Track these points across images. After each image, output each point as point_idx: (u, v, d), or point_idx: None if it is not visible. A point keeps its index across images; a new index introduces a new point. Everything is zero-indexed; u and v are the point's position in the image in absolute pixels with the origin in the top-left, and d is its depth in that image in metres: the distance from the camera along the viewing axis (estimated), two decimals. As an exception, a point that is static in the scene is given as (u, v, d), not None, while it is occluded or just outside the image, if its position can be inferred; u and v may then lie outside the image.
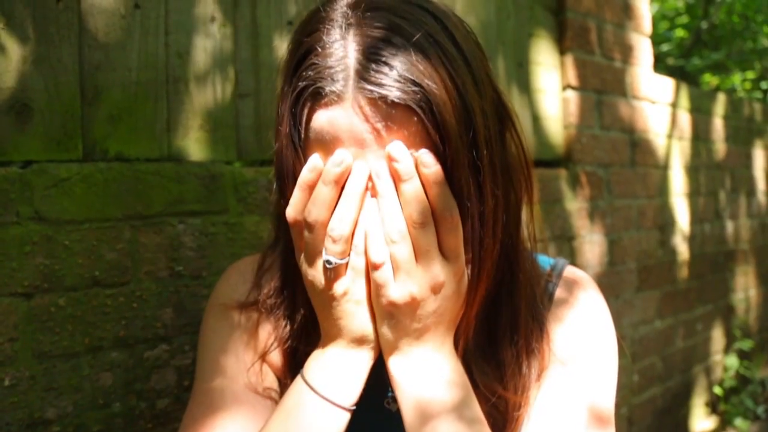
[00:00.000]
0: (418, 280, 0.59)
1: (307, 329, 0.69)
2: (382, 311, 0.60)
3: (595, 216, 1.97)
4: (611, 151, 2.03)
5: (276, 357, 0.72)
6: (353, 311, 0.61)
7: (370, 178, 0.58)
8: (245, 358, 0.73)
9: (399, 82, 0.55)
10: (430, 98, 0.56)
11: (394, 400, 0.72)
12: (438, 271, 0.59)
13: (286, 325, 0.70)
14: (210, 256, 1.05)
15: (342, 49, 0.58)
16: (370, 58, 0.56)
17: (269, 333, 0.72)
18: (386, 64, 0.56)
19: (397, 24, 0.58)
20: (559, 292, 0.74)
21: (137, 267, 0.97)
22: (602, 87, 1.98)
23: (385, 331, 0.61)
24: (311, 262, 0.61)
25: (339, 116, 0.57)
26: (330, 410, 0.62)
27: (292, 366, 0.70)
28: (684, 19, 6.49)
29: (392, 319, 0.60)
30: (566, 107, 1.88)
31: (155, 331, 0.99)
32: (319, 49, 0.59)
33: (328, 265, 0.59)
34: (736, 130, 2.97)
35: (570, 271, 0.77)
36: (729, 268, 2.93)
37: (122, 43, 0.98)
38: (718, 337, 2.85)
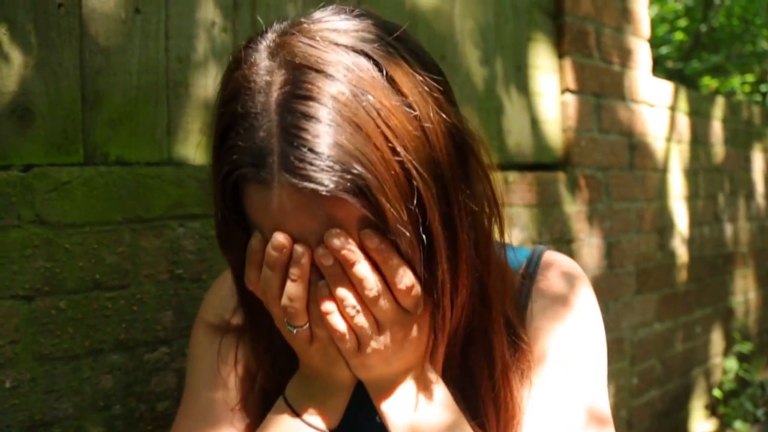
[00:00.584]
0: (382, 340, 0.60)
1: (282, 359, 0.70)
2: (355, 366, 0.63)
3: (594, 219, 1.97)
4: (610, 155, 2.04)
5: (259, 376, 0.73)
6: (326, 361, 0.63)
7: (312, 259, 0.58)
8: (230, 375, 0.74)
9: (326, 170, 0.52)
10: (363, 183, 0.52)
11: None
12: (400, 326, 0.60)
13: (265, 352, 0.71)
14: (210, 259, 1.05)
15: (264, 126, 0.54)
16: (294, 143, 0.52)
17: (248, 356, 0.74)
18: (311, 150, 0.52)
19: (322, 88, 0.53)
20: (540, 286, 0.72)
21: (137, 270, 0.98)
22: (601, 90, 1.99)
23: (364, 378, 0.64)
24: (279, 324, 0.63)
25: (270, 202, 0.55)
26: (305, 429, 0.64)
27: (273, 389, 0.71)
28: (683, 22, 6.51)
29: (366, 369, 0.62)
30: (565, 111, 1.88)
31: (155, 333, 1.00)
32: (240, 126, 0.55)
33: (290, 332, 0.62)
34: (734, 133, 2.98)
35: (550, 259, 0.75)
36: (728, 271, 2.94)
37: (123, 47, 0.99)
38: (717, 339, 2.85)
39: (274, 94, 0.54)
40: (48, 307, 0.89)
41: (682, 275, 2.51)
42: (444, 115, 0.58)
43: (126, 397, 0.97)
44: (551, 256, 0.76)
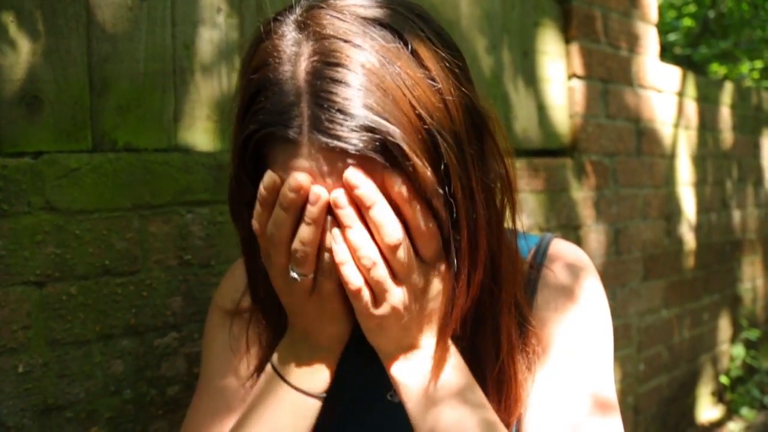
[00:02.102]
0: (398, 294, 0.58)
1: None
2: (369, 327, 0.61)
3: (601, 205, 1.97)
4: (617, 141, 2.03)
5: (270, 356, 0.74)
6: (321, 318, 0.62)
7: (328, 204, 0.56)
8: (243, 359, 0.74)
9: (356, 131, 0.52)
10: (392, 142, 0.53)
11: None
12: (417, 278, 0.59)
13: (272, 332, 0.71)
14: (218, 245, 1.06)
15: (293, 90, 0.55)
16: (324, 105, 0.53)
17: (260, 335, 0.74)
18: (341, 111, 0.53)
19: (350, 56, 0.54)
20: (547, 274, 0.72)
21: (147, 256, 0.98)
22: (608, 76, 1.98)
23: (377, 343, 0.62)
24: (277, 274, 0.61)
25: (296, 161, 0.55)
26: (301, 399, 0.64)
27: None
28: (691, 8, 6.44)
29: (381, 331, 0.60)
30: (572, 96, 1.87)
31: (165, 319, 1.00)
32: (269, 90, 0.56)
33: (293, 281, 0.60)
34: (743, 119, 2.96)
35: (557, 247, 0.75)
36: (736, 258, 2.93)
37: (130, 34, 0.99)
38: (724, 326, 2.84)
39: (303, 63, 0.55)
40: (59, 293, 0.90)
41: (690, 262, 2.51)
42: (464, 90, 0.59)
43: (137, 381, 0.98)
44: (558, 245, 0.75)
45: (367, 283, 0.57)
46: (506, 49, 1.68)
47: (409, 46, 0.56)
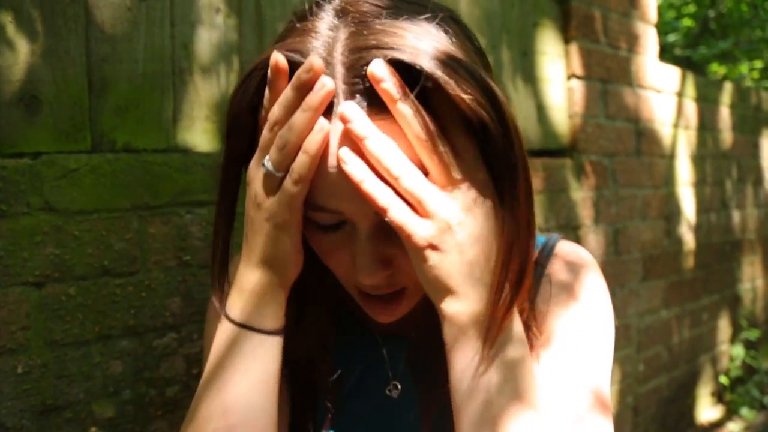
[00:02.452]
0: (446, 202, 0.53)
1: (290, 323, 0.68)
2: (420, 257, 0.54)
3: (601, 205, 1.97)
4: (616, 141, 2.03)
5: None
6: (273, 234, 0.58)
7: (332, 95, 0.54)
8: None
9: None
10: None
11: (396, 387, 0.71)
12: (466, 187, 0.53)
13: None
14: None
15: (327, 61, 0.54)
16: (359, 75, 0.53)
17: None
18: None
19: (392, 38, 0.53)
20: (550, 272, 0.71)
21: (146, 257, 0.99)
22: (607, 76, 1.98)
23: (431, 275, 0.54)
24: (257, 164, 0.58)
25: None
26: (251, 337, 0.60)
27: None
28: (691, 8, 6.44)
29: (434, 257, 0.54)
30: (571, 96, 1.88)
31: (164, 319, 1.00)
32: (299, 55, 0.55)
33: (262, 168, 0.56)
34: (742, 119, 2.96)
35: (563, 248, 0.74)
36: (735, 258, 2.93)
37: (129, 35, 0.99)
38: (724, 326, 2.85)
39: (339, 44, 0.55)
40: (58, 294, 0.90)
41: (689, 262, 2.51)
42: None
43: (136, 382, 0.98)
44: (564, 245, 0.75)
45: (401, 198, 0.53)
46: (505, 49, 1.69)
47: (450, 36, 0.56)
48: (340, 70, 0.54)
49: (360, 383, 0.73)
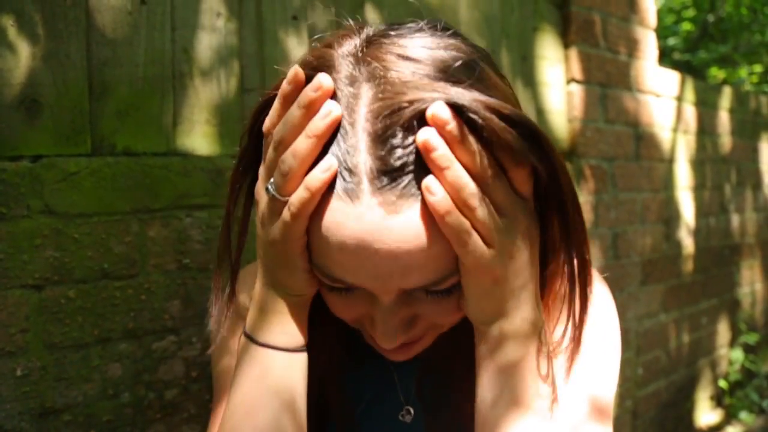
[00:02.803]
0: (509, 233, 0.54)
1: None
2: (483, 288, 0.54)
3: (600, 209, 1.97)
4: (616, 145, 2.04)
5: None
6: (280, 259, 0.57)
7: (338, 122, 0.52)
8: None
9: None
10: None
11: (409, 412, 0.71)
12: (521, 214, 0.55)
13: None
14: (216, 248, 1.06)
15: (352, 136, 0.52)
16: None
17: None
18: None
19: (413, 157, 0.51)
20: None
21: (145, 260, 0.99)
22: (607, 80, 1.98)
23: (485, 303, 0.55)
24: (263, 183, 0.57)
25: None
26: (277, 356, 0.60)
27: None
28: (690, 12, 6.45)
29: (496, 285, 0.55)
30: (570, 101, 1.88)
31: (163, 322, 1.01)
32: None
33: (267, 193, 0.55)
34: (742, 124, 2.96)
35: None
36: (734, 262, 2.93)
37: (129, 39, 0.99)
38: (723, 330, 2.84)
39: (362, 104, 0.52)
40: (57, 296, 0.91)
41: (688, 266, 2.51)
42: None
43: (135, 385, 0.98)
44: None
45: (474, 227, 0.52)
46: (505, 53, 1.69)
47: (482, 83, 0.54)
48: (364, 139, 0.51)
49: (371, 408, 0.73)
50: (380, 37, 0.55)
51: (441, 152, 0.50)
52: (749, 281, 3.09)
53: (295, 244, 0.55)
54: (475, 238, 0.52)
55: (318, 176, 0.51)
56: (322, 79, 0.52)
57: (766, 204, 3.24)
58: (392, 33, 0.55)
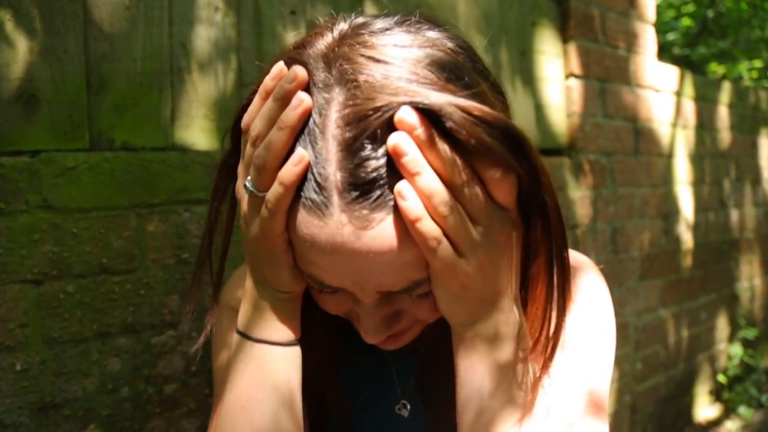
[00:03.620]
0: (482, 242, 0.53)
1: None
2: (452, 293, 0.54)
3: (599, 204, 1.97)
4: (615, 140, 2.04)
5: None
6: (264, 255, 0.57)
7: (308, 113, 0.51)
8: None
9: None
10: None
11: (405, 406, 0.71)
12: (498, 223, 0.53)
13: None
14: (215, 243, 1.06)
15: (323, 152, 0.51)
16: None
17: None
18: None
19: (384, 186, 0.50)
20: None
21: (144, 254, 0.99)
22: (605, 75, 1.98)
23: (457, 308, 0.55)
24: (242, 180, 0.57)
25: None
26: (270, 351, 0.60)
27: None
28: (690, 7, 6.44)
29: (465, 292, 0.54)
30: (569, 96, 1.88)
31: (162, 317, 1.01)
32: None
33: (246, 190, 0.55)
34: (741, 119, 2.96)
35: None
36: (733, 257, 2.93)
37: (127, 33, 0.99)
38: (722, 325, 2.85)
39: (333, 110, 0.51)
40: (56, 291, 0.91)
41: (687, 261, 2.51)
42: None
43: (134, 380, 0.98)
44: (570, 253, 0.75)
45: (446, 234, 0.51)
46: (504, 48, 1.69)
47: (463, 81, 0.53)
48: (334, 148, 0.50)
49: (370, 401, 0.73)
50: (352, 36, 0.54)
51: (411, 157, 0.49)
52: (748, 276, 3.09)
53: (276, 240, 0.55)
54: (445, 245, 0.51)
55: (291, 170, 0.51)
56: (298, 71, 0.52)
57: (765, 199, 3.24)
58: (364, 31, 0.54)
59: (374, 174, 0.49)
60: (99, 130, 0.97)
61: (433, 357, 0.71)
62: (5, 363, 0.86)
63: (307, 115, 0.51)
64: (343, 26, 0.55)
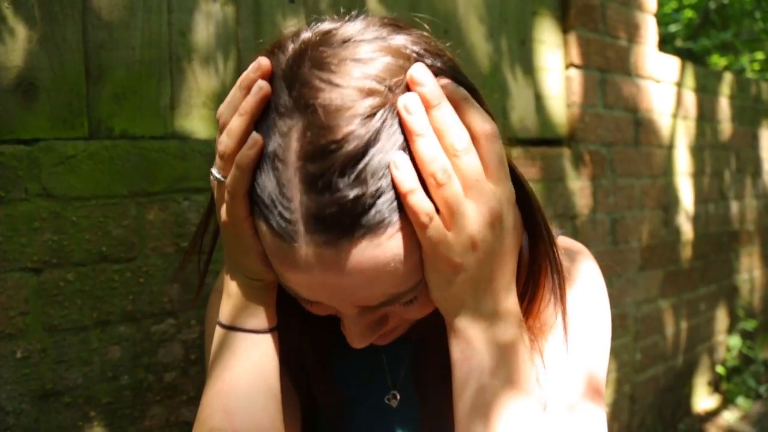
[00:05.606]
0: (475, 217, 0.52)
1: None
2: (443, 277, 0.53)
3: (598, 195, 1.97)
4: (615, 130, 2.03)
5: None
6: (234, 242, 0.57)
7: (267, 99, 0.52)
8: None
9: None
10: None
11: (395, 396, 0.71)
12: (494, 201, 0.52)
13: None
14: (215, 232, 1.06)
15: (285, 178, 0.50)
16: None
17: None
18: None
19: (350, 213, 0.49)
20: None
21: (143, 243, 0.99)
22: (606, 65, 1.98)
23: (448, 293, 0.54)
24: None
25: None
26: (242, 338, 0.60)
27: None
28: (692, -1, 6.41)
29: (456, 275, 0.53)
30: (569, 86, 1.87)
31: (162, 305, 1.01)
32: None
33: (214, 178, 0.57)
34: (742, 110, 2.95)
35: (562, 241, 0.74)
36: (733, 249, 2.93)
37: (125, 21, 0.99)
38: (721, 317, 2.85)
39: (294, 143, 0.49)
40: (56, 279, 0.91)
41: (687, 252, 2.52)
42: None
43: (134, 367, 0.98)
44: (565, 240, 0.75)
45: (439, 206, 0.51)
46: (504, 37, 1.68)
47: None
48: (297, 181, 0.49)
49: (361, 392, 0.73)
50: (313, 48, 0.52)
51: (427, 89, 0.50)
52: (748, 268, 3.10)
53: (241, 225, 0.55)
54: (437, 222, 0.50)
55: (245, 153, 0.51)
56: (261, 61, 0.52)
57: (765, 191, 3.24)
58: (324, 47, 0.51)
59: (338, 206, 0.48)
60: (98, 118, 0.97)
61: (426, 344, 0.70)
62: (6, 350, 0.87)
63: (266, 101, 0.52)
64: (306, 35, 0.54)
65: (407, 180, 0.49)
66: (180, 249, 1.03)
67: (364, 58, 0.50)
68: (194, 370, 1.05)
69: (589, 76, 1.92)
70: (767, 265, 3.30)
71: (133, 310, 0.98)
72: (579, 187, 1.89)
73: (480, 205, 0.52)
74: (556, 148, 1.82)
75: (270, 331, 0.62)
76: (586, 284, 0.71)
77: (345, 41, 0.52)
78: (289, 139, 0.49)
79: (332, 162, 0.47)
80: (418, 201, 0.49)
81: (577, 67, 1.87)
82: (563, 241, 0.75)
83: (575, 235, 1.87)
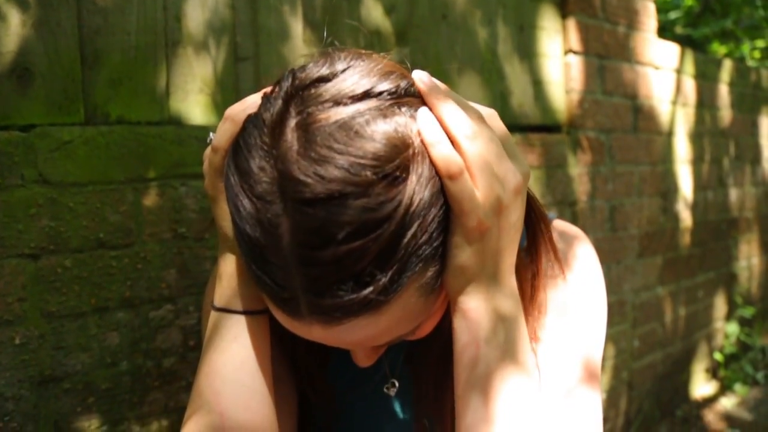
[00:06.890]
0: (504, 182, 0.53)
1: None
2: (465, 238, 0.51)
3: (597, 181, 1.97)
4: (613, 117, 2.03)
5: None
6: (223, 211, 0.59)
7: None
8: None
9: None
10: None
11: (394, 385, 0.71)
12: (523, 168, 0.55)
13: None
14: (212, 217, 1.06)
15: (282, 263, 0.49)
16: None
17: None
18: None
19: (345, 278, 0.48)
20: None
21: (141, 229, 0.99)
22: (605, 52, 1.97)
23: (463, 259, 0.52)
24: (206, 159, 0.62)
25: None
26: (231, 319, 0.61)
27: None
28: (692, -15, 6.36)
29: (480, 239, 0.52)
30: (568, 72, 1.87)
31: (160, 291, 1.01)
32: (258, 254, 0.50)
33: (209, 141, 0.60)
34: (741, 97, 2.94)
35: (558, 224, 0.74)
36: (732, 236, 2.93)
37: (121, 6, 0.98)
38: (719, 304, 2.86)
39: (286, 233, 0.48)
40: (54, 266, 0.91)
41: (686, 239, 2.52)
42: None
43: (132, 353, 0.99)
44: (561, 223, 0.75)
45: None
46: (502, 23, 1.67)
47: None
48: (292, 261, 0.48)
49: (357, 379, 0.73)
50: (288, 116, 0.49)
51: (433, 92, 0.52)
52: (746, 255, 3.10)
53: (217, 184, 0.59)
54: (466, 177, 0.50)
55: (236, 107, 0.57)
56: (255, 97, 0.57)
57: (764, 178, 3.24)
58: (296, 110, 0.49)
59: (335, 279, 0.47)
60: (94, 104, 0.96)
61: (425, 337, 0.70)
62: (4, 337, 0.87)
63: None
64: (283, 89, 0.50)
65: (432, 134, 0.50)
66: (177, 235, 1.03)
67: (340, 119, 0.48)
68: (192, 356, 1.05)
69: (588, 62, 1.91)
70: (765, 252, 3.30)
71: (131, 296, 0.98)
72: (578, 174, 1.89)
73: (508, 172, 0.53)
74: (555, 135, 1.82)
75: (261, 312, 0.62)
76: (582, 268, 0.71)
77: (330, 101, 0.49)
78: (279, 226, 0.48)
79: (321, 237, 0.46)
80: (449, 153, 0.49)
81: (576, 53, 1.86)
82: (559, 225, 0.74)
83: (574, 221, 1.87)
